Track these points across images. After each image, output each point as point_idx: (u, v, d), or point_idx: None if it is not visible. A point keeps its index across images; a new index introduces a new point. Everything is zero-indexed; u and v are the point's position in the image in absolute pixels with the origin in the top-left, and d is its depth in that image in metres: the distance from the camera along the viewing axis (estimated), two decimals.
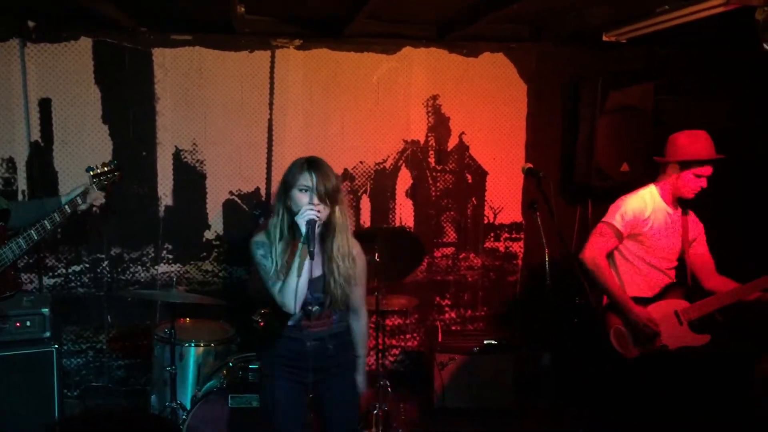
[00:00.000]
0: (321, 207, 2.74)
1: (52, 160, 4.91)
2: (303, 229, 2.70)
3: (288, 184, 2.81)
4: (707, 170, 3.65)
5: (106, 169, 3.45)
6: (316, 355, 2.96)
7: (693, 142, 3.66)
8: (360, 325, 3.12)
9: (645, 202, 3.78)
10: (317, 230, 2.76)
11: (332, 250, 2.85)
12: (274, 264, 2.82)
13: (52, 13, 4.60)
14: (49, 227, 3.17)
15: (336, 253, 2.85)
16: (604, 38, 4.54)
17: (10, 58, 4.75)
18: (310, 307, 2.91)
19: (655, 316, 3.66)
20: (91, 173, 3.39)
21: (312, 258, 2.71)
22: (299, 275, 2.74)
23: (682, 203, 3.82)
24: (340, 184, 2.84)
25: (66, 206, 3.25)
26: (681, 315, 3.71)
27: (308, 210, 2.71)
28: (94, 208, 4.89)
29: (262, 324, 3.87)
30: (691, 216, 3.87)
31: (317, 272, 2.90)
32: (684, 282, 3.79)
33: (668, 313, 3.70)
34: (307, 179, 2.74)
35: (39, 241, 3.17)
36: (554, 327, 4.07)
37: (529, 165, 3.45)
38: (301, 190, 2.75)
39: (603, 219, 3.82)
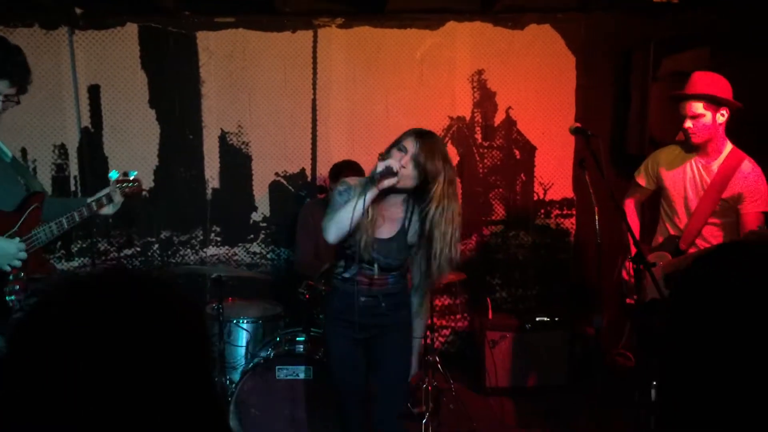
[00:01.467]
0: (409, 168, 2.71)
1: (102, 145, 5.00)
2: (378, 169, 2.69)
3: (391, 145, 2.82)
4: (682, 108, 3.38)
5: (126, 177, 3.49)
6: (366, 312, 2.93)
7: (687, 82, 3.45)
8: (425, 304, 3.12)
9: (671, 151, 3.63)
10: (395, 181, 2.70)
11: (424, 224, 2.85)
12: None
13: None
14: (77, 219, 3.20)
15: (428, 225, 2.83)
16: (655, 0, 4.38)
17: (60, 47, 4.86)
18: (369, 266, 2.90)
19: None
20: (114, 179, 3.43)
21: (372, 191, 2.70)
22: (353, 209, 2.71)
23: (733, 156, 3.45)
24: (448, 172, 2.79)
25: (93, 203, 3.27)
26: (661, 269, 3.49)
27: (392, 159, 2.71)
28: (144, 192, 5.00)
29: (308, 296, 3.86)
30: (741, 171, 3.41)
31: (388, 233, 2.90)
32: (679, 237, 3.57)
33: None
34: (408, 143, 2.75)
35: (67, 231, 3.21)
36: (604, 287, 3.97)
37: (577, 124, 3.34)
38: (399, 149, 2.76)
39: None
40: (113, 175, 3.37)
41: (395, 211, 2.92)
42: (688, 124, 3.39)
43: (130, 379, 0.81)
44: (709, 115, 3.35)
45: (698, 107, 3.35)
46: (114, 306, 0.84)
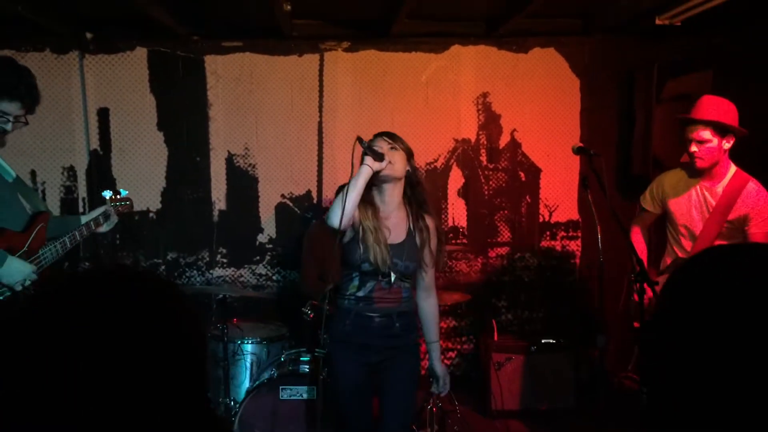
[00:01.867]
0: (392, 155, 2.90)
1: (111, 167, 5.06)
2: (366, 145, 2.85)
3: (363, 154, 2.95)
4: (689, 132, 3.37)
5: (119, 196, 3.60)
6: (382, 333, 2.97)
7: (694, 106, 3.43)
8: (431, 305, 3.14)
9: (674, 175, 3.64)
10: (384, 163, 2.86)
11: (414, 217, 3.02)
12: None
13: (109, 22, 4.75)
14: (78, 238, 3.29)
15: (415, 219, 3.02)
16: (658, 22, 4.40)
17: (70, 70, 4.94)
18: (386, 277, 2.94)
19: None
20: (108, 197, 3.54)
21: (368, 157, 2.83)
22: (349, 190, 2.80)
23: (737, 177, 3.47)
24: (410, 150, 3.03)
25: (91, 222, 3.36)
26: None
27: (378, 145, 2.92)
28: (151, 214, 5.05)
29: (312, 316, 3.86)
30: (746, 192, 3.42)
31: (399, 238, 2.96)
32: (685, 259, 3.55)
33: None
34: (378, 141, 2.95)
35: (69, 250, 3.26)
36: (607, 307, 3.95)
37: (580, 144, 3.36)
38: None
39: None
40: (106, 194, 3.47)
41: (398, 216, 3.01)
42: (694, 148, 3.38)
43: (121, 373, 0.82)
44: (715, 141, 3.35)
45: (705, 133, 3.34)
46: (109, 302, 0.85)
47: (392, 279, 2.95)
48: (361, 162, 2.86)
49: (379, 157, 2.84)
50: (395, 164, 2.91)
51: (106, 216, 3.36)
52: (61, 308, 0.84)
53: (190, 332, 0.91)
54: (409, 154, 3.01)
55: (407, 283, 3.02)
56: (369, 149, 2.84)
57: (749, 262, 0.90)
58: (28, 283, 2.91)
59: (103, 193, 3.50)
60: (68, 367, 0.82)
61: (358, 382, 3.02)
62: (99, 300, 0.85)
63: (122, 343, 0.83)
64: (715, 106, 3.40)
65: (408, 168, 2.99)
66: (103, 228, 3.38)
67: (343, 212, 2.77)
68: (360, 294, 2.98)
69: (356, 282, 2.99)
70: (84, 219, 3.32)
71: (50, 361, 0.82)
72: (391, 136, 2.99)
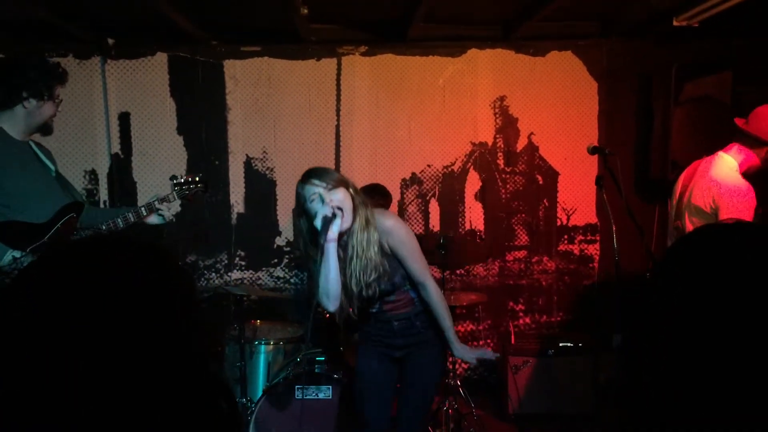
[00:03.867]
0: (336, 198, 2.72)
1: (131, 171, 5.12)
2: (320, 224, 2.70)
3: (300, 206, 2.83)
4: None
5: (189, 179, 3.60)
6: (403, 333, 3.02)
7: None
8: (430, 296, 2.97)
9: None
10: (340, 221, 2.72)
11: (349, 245, 2.84)
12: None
13: (130, 27, 4.83)
14: (121, 225, 3.31)
15: (353, 247, 2.83)
16: (675, 23, 4.38)
17: (92, 75, 5.02)
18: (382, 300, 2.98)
19: None
20: (174, 182, 3.56)
21: (322, 250, 2.70)
22: (325, 274, 2.76)
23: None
24: (349, 181, 2.86)
25: (142, 208, 3.39)
26: None
27: (322, 210, 2.71)
28: (170, 218, 5.09)
29: (327, 316, 3.88)
30: None
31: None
32: None
33: None
34: (309, 190, 2.75)
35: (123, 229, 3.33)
36: (625, 306, 3.90)
37: (594, 144, 3.36)
38: (311, 202, 2.75)
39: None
40: (173, 178, 3.51)
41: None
42: None
43: (109, 337, 0.82)
44: None
45: None
46: (97, 268, 0.85)
47: (392, 297, 2.97)
48: (322, 239, 2.69)
49: (333, 218, 2.71)
50: (344, 209, 2.73)
51: (162, 202, 3.42)
52: (45, 277, 0.85)
53: (181, 299, 0.91)
54: (345, 184, 2.81)
55: (406, 287, 2.98)
56: (327, 222, 2.69)
57: (742, 239, 0.90)
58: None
59: (170, 178, 3.56)
60: (52, 335, 0.81)
61: (380, 378, 3.07)
62: (82, 266, 0.86)
63: (107, 308, 0.83)
64: None
65: (351, 195, 2.81)
66: (152, 219, 3.46)
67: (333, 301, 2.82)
68: (373, 311, 3.03)
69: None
70: (148, 201, 3.45)
71: (31, 331, 0.82)
72: (319, 175, 2.76)
